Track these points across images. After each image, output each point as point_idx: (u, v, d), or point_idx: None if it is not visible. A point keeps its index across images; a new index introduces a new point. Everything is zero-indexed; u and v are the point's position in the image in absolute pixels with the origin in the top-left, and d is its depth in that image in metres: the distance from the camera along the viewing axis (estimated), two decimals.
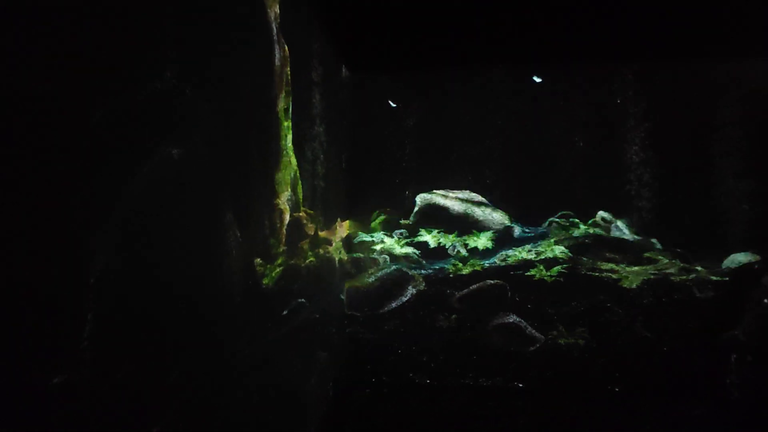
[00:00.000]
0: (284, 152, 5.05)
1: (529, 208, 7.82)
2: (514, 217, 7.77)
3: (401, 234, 7.75)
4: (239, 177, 4.13)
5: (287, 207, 5.07)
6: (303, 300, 5.49)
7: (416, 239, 7.68)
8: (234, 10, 4.16)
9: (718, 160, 7.50)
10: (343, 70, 7.53)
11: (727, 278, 6.47)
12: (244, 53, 4.32)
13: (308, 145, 5.89)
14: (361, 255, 7.33)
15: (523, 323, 6.96)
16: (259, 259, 4.53)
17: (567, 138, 7.75)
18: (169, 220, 3.07)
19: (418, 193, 7.94)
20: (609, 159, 7.72)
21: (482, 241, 7.63)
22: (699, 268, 6.95)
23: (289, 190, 5.09)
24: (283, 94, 5.22)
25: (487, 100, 7.82)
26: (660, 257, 7.15)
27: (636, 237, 7.51)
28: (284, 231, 5.30)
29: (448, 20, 6.62)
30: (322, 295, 6.17)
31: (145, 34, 2.84)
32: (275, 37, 4.98)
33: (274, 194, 4.91)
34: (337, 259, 6.78)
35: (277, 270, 4.93)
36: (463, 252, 7.56)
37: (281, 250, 5.11)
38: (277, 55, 5.06)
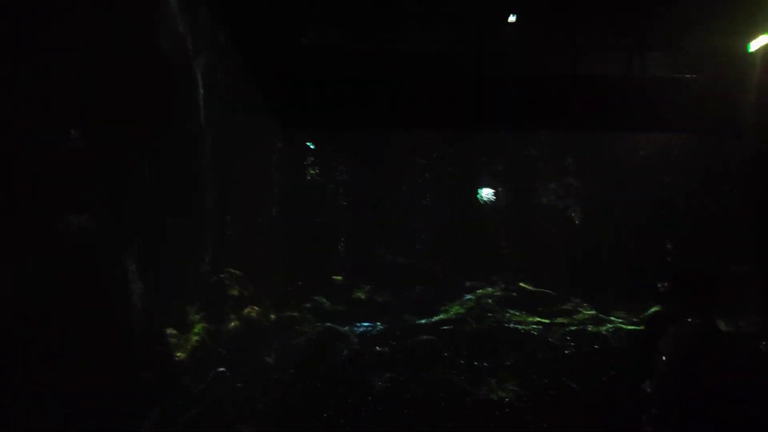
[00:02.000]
0: (207, 213, 4.73)
1: (456, 265, 7.93)
2: (443, 274, 7.84)
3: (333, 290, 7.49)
4: (149, 242, 3.76)
5: (207, 268, 4.69)
6: (223, 369, 5.00)
7: (351, 296, 7.45)
8: (157, 69, 3.95)
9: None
10: (278, 130, 7.42)
11: (641, 327, 6.85)
12: (164, 111, 4.07)
13: (237, 204, 5.60)
14: (293, 314, 6.93)
15: (456, 379, 6.84)
16: (172, 329, 4.07)
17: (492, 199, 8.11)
18: (65, 289, 2.66)
19: (351, 250, 7.80)
20: (527, 215, 8.14)
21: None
22: (613, 318, 7.33)
23: (210, 251, 4.74)
24: (209, 154, 4.96)
25: (412, 165, 8.05)
26: (576, 309, 7.47)
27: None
28: (205, 294, 4.87)
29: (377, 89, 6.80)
30: (247, 360, 5.68)
31: (56, 94, 2.58)
32: (201, 95, 4.79)
33: (194, 256, 4.54)
34: (264, 320, 6.33)
35: (194, 339, 4.47)
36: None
37: (198, 316, 4.67)
38: (202, 114, 4.85)
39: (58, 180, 2.76)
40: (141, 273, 3.51)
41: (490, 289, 7.56)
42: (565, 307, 7.47)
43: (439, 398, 6.62)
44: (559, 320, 7.20)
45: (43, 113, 2.52)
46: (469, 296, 7.48)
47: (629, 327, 7.03)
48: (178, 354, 4.00)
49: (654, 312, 7.02)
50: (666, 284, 7.62)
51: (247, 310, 5.67)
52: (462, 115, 7.35)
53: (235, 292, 5.35)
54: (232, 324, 5.24)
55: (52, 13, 2.48)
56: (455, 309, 7.32)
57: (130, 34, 3.47)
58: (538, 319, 7.22)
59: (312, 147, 8.08)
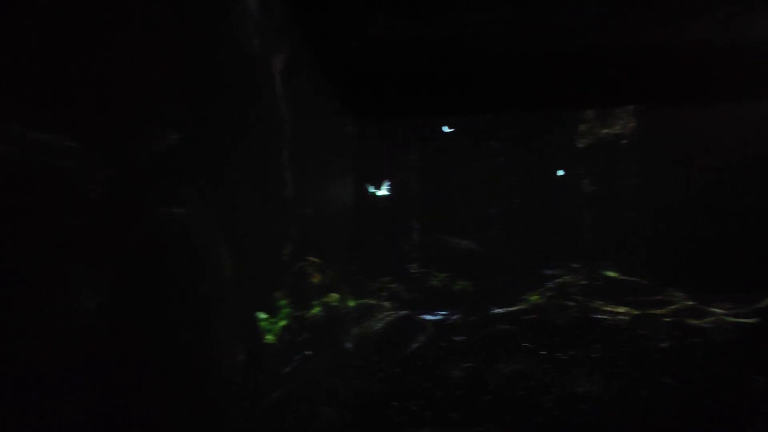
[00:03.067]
0: (287, 203, 4.94)
1: (533, 252, 7.57)
2: (520, 262, 7.53)
3: (409, 278, 7.51)
4: (239, 232, 3.99)
5: (289, 257, 4.90)
6: (309, 352, 5.21)
7: (426, 285, 7.43)
8: (239, 69, 4.16)
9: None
10: (349, 121, 7.56)
11: (752, 320, 6.10)
12: (247, 109, 4.29)
13: (314, 195, 5.79)
14: (369, 301, 7.07)
15: (537, 370, 6.56)
16: (262, 314, 4.31)
17: (570, 182, 7.61)
18: (162, 277, 2.90)
19: (425, 238, 7.77)
20: (609, 201, 7.54)
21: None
22: (716, 310, 6.59)
23: (292, 240, 4.95)
24: (287, 147, 5.17)
25: (488, 146, 7.75)
26: (672, 298, 6.82)
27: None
28: (289, 281, 5.10)
29: (453, 71, 6.64)
30: (329, 345, 5.88)
31: (153, 98, 2.79)
32: (279, 92, 4.98)
33: (277, 245, 4.76)
34: (343, 306, 6.52)
35: (281, 323, 4.70)
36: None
37: (285, 302, 4.90)
38: (281, 108, 5.05)
39: (161, 175, 2.98)
40: (233, 260, 3.73)
41: (571, 277, 7.15)
42: (658, 297, 6.86)
43: (519, 390, 6.40)
44: (652, 311, 6.62)
45: (145, 114, 2.72)
46: (549, 285, 7.13)
47: (735, 319, 6.29)
48: (268, 337, 4.23)
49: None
50: None
51: (327, 297, 5.86)
52: (537, 95, 6.98)
53: (316, 280, 5.55)
54: (315, 310, 5.44)
55: (140, 18, 2.65)
56: (534, 298, 7.01)
57: (214, 35, 3.66)
58: (627, 309, 6.70)
59: (383, 138, 8.13)
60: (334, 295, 6.00)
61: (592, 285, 7.01)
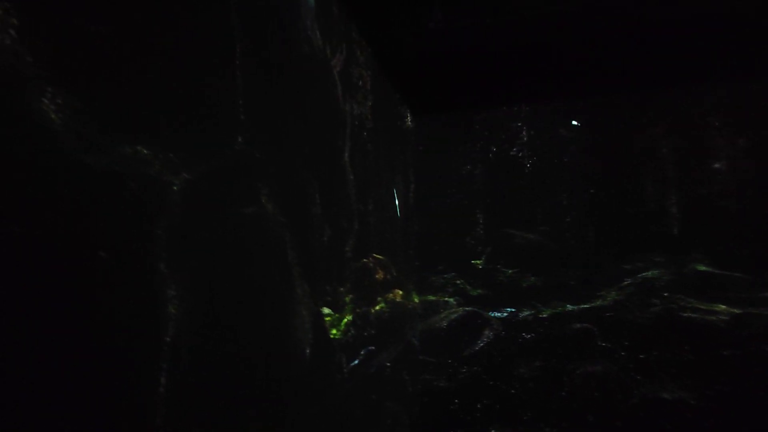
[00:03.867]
0: (349, 201, 4.98)
1: (610, 245, 7.00)
2: (595, 256, 6.99)
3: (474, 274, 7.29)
4: (304, 227, 4.08)
5: (352, 254, 4.95)
6: (373, 348, 5.25)
7: (493, 280, 7.17)
8: (300, 66, 4.25)
9: None
10: (408, 116, 7.50)
11: None
12: (307, 107, 4.37)
13: (375, 192, 5.80)
14: (433, 297, 6.97)
15: (616, 372, 6.08)
16: (326, 309, 4.40)
17: (653, 167, 6.92)
18: (241, 276, 3.03)
19: (491, 232, 7.49)
20: (698, 186, 6.75)
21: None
22: None
23: (354, 237, 4.99)
24: (348, 144, 5.22)
25: (553, 138, 7.28)
26: None
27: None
28: (352, 278, 5.16)
29: (513, 59, 6.34)
30: (394, 341, 5.88)
31: (221, 101, 2.91)
32: (339, 89, 5.03)
33: (340, 241, 4.82)
34: (408, 302, 6.49)
35: (346, 319, 4.76)
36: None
37: (349, 298, 4.96)
38: (341, 107, 5.09)
39: (235, 178, 3.11)
40: (301, 259, 3.82)
41: (655, 272, 6.52)
42: (764, 294, 6.04)
43: (596, 393, 5.97)
44: (755, 311, 5.85)
45: (216, 118, 2.84)
46: (628, 280, 6.56)
47: None
48: (333, 332, 4.30)
49: None
50: None
51: (391, 293, 5.86)
52: (607, 78, 6.44)
53: (380, 276, 5.56)
54: (379, 306, 5.45)
55: (201, 20, 2.75)
56: (612, 295, 6.49)
57: (274, 35, 3.75)
58: (724, 307, 5.98)
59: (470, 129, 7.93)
60: (399, 291, 5.98)
61: (681, 280, 6.33)
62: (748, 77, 6.55)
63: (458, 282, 7.25)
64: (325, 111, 4.73)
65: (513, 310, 6.84)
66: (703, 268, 6.38)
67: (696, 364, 5.77)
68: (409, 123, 7.31)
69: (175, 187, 2.44)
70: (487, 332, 6.60)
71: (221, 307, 2.77)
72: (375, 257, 5.42)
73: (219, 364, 2.71)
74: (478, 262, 7.39)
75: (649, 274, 6.55)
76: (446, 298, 7.02)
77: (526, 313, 6.69)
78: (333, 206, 4.79)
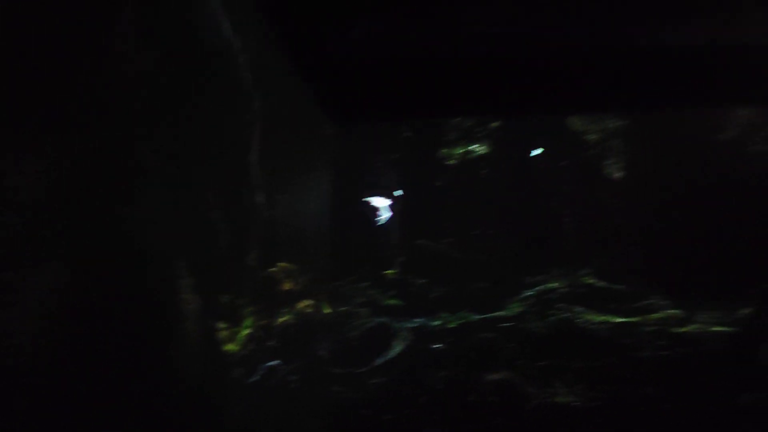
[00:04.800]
0: (255, 207, 4.69)
1: (515, 258, 7.37)
2: (501, 268, 7.32)
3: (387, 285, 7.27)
4: (198, 236, 3.74)
5: (256, 263, 4.66)
6: (278, 362, 4.96)
7: (404, 291, 7.19)
8: (203, 56, 3.92)
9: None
10: (328, 122, 7.33)
11: (736, 329, 5.93)
12: (208, 101, 4.04)
13: (287, 198, 5.56)
14: (344, 308, 6.82)
15: (517, 380, 6.35)
16: (221, 322, 4.07)
17: (553, 187, 7.43)
18: (110, 284, 2.66)
19: (407, 242, 7.53)
20: (593, 207, 7.37)
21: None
22: (701, 319, 6.42)
23: (260, 245, 4.71)
24: (257, 147, 4.92)
25: (467, 153, 7.55)
26: (656, 306, 6.64)
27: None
28: (255, 288, 4.85)
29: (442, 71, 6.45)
30: (301, 354, 5.63)
31: (117, 96, 2.57)
32: (249, 89, 4.74)
33: (242, 251, 4.52)
34: (318, 313, 6.27)
35: (245, 332, 4.45)
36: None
37: (250, 310, 4.65)
38: (251, 106, 4.81)
39: (119, 178, 2.72)
40: (190, 268, 3.46)
41: (553, 284, 6.95)
42: (641, 304, 6.67)
43: (499, 400, 6.19)
44: (635, 319, 6.44)
45: (108, 112, 2.48)
46: (529, 292, 6.93)
47: (721, 329, 6.12)
48: (229, 347, 3.97)
49: (753, 313, 6.04)
50: None
51: (300, 304, 5.62)
52: (524, 98, 6.76)
53: (288, 286, 5.30)
54: (285, 318, 5.19)
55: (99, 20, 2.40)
56: (515, 306, 6.80)
57: (176, 36, 3.41)
58: (610, 317, 6.51)
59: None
60: (308, 302, 5.76)
61: (574, 292, 6.82)
62: (649, 104, 7.24)
63: (371, 292, 7.19)
64: (230, 107, 4.42)
65: (422, 320, 6.90)
66: (592, 281, 6.93)
67: (584, 370, 6.19)
68: (329, 129, 7.16)
69: (24, 183, 2.09)
70: (397, 342, 6.59)
71: (76, 323, 2.40)
72: (283, 266, 5.16)
73: (80, 385, 2.34)
74: (391, 272, 7.39)
75: (547, 286, 6.98)
76: (357, 309, 6.91)
77: (435, 323, 6.79)
78: (235, 211, 4.47)
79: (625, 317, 6.46)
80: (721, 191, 7.10)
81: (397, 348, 6.51)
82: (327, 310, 6.61)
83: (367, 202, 7.47)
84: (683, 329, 6.21)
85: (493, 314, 6.77)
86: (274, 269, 4.86)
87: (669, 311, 6.51)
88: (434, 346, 6.52)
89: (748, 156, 7.19)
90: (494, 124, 7.42)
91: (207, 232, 3.85)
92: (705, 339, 6.19)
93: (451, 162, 7.38)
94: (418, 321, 6.89)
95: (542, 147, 7.40)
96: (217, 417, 3.66)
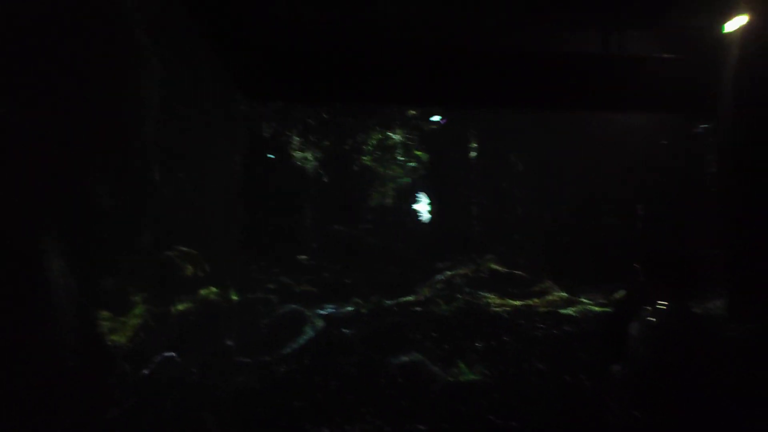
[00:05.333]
0: (148, 185, 4.23)
1: (426, 245, 7.60)
2: (413, 255, 7.51)
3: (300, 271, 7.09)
4: (77, 216, 3.27)
5: (150, 246, 4.23)
6: (172, 354, 4.57)
7: (317, 277, 7.08)
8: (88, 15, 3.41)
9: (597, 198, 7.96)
10: (241, 100, 6.87)
11: (610, 309, 6.69)
12: (93, 64, 3.53)
13: (189, 178, 5.09)
14: (256, 295, 6.53)
15: (425, 362, 6.58)
16: (105, 312, 3.62)
17: (463, 177, 7.75)
18: None
19: (322, 227, 7.39)
20: (494, 198, 7.85)
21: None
22: (584, 300, 7.16)
23: (155, 227, 4.27)
24: (153, 121, 4.43)
25: (384, 139, 7.58)
26: (547, 290, 7.28)
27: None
28: (149, 274, 4.41)
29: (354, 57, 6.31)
30: (203, 344, 5.26)
31: None
32: (144, 51, 4.24)
33: (133, 234, 4.06)
34: (224, 301, 5.91)
35: (134, 322, 4.02)
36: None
37: (142, 297, 4.22)
38: (146, 76, 4.30)
39: None
40: (64, 251, 3.01)
41: (460, 270, 7.29)
42: (536, 288, 7.26)
43: (407, 382, 6.37)
44: (530, 302, 7.00)
45: None
46: (439, 277, 7.20)
47: (599, 309, 6.88)
48: (114, 338, 3.56)
49: (624, 294, 6.86)
50: (637, 266, 7.44)
51: (203, 290, 5.24)
52: (434, 91, 6.93)
53: (189, 272, 4.90)
54: (185, 305, 4.80)
55: None
56: (425, 290, 7.03)
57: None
58: (509, 300, 7.00)
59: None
60: (212, 289, 5.39)
61: (479, 277, 7.22)
62: (546, 105, 7.78)
63: (282, 278, 6.96)
64: (119, 70, 3.91)
65: (335, 306, 6.85)
66: (495, 266, 7.39)
67: (485, 349, 6.60)
68: (242, 107, 6.72)
69: None
70: (308, 329, 6.46)
71: None
72: (182, 250, 4.75)
73: None
74: (304, 257, 7.22)
75: (455, 271, 7.30)
76: (268, 296, 6.65)
77: (348, 309, 6.77)
78: (126, 189, 4.00)
79: (522, 300, 7.00)
80: (606, 189, 7.94)
81: (308, 335, 6.38)
82: (234, 297, 6.27)
83: (281, 185, 7.17)
84: (570, 310, 6.87)
85: (404, 299, 6.93)
86: (171, 254, 4.45)
87: (558, 294, 7.17)
88: (346, 332, 6.50)
89: (631, 157, 8.12)
90: (411, 113, 7.51)
91: (88, 208, 3.39)
92: (588, 318, 6.90)
93: (368, 148, 7.34)
94: (330, 307, 6.82)
95: (455, 138, 7.65)
96: (98, 415, 3.28)
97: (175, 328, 4.67)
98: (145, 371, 4.19)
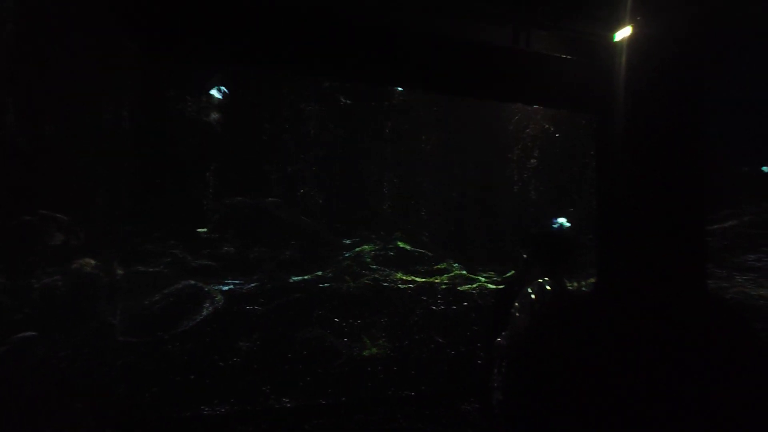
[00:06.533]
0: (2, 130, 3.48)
1: (335, 220, 7.46)
2: (321, 231, 7.32)
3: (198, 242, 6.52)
4: None
5: (4, 209, 3.51)
6: (33, 333, 3.92)
7: (218, 251, 6.56)
8: None
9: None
10: (130, 47, 5.96)
11: (502, 286, 7.16)
12: None
13: (59, 128, 4.28)
14: (144, 268, 5.87)
15: (329, 338, 6.50)
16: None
17: (374, 152, 7.68)
18: None
19: (220, 199, 6.82)
20: (408, 175, 7.93)
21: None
22: (482, 278, 7.58)
23: (9, 187, 3.54)
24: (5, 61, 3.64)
25: (295, 107, 7.19)
26: (449, 268, 7.58)
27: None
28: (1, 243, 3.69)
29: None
30: (75, 322, 4.60)
31: None
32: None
33: None
34: (105, 274, 5.21)
35: None
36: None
37: None
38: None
39: None
40: None
41: (367, 247, 7.28)
42: (439, 266, 7.52)
43: (310, 358, 6.25)
44: (433, 279, 7.23)
45: None
46: (346, 254, 7.12)
47: (493, 286, 7.32)
48: None
49: (513, 272, 7.41)
50: (526, 248, 8.09)
51: (77, 262, 4.55)
52: (341, 67, 6.66)
53: (57, 241, 4.20)
54: (51, 279, 4.12)
55: None
56: (332, 267, 6.91)
57: None
58: (413, 277, 7.17)
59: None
60: (88, 260, 4.70)
61: (386, 255, 7.28)
62: (456, 92, 7.90)
63: (177, 252, 6.35)
64: None
65: (237, 282, 6.45)
66: (402, 245, 7.50)
67: (388, 325, 6.71)
68: (132, 57, 5.82)
69: None
70: (207, 306, 6.00)
71: None
72: (47, 215, 4.02)
73: None
74: (203, 230, 6.65)
75: (362, 248, 7.27)
76: (161, 269, 6.03)
77: (251, 285, 6.42)
78: None
79: (425, 278, 7.20)
80: (506, 174, 8.42)
81: (206, 312, 5.93)
82: (120, 271, 5.57)
83: (180, 149, 6.45)
84: (468, 287, 7.23)
85: (310, 276, 6.75)
86: (30, 218, 3.76)
87: (458, 272, 7.50)
88: (249, 308, 6.15)
89: (529, 146, 8.67)
90: (326, 84, 7.19)
91: None
92: (484, 295, 7.31)
93: (282, 119, 6.89)
94: (232, 283, 6.40)
95: (369, 114, 7.51)
96: None
97: (38, 305, 4.00)
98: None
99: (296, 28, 5.69)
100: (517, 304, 3.20)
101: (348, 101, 7.63)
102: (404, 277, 7.13)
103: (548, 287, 2.96)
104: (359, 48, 6.29)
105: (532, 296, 2.98)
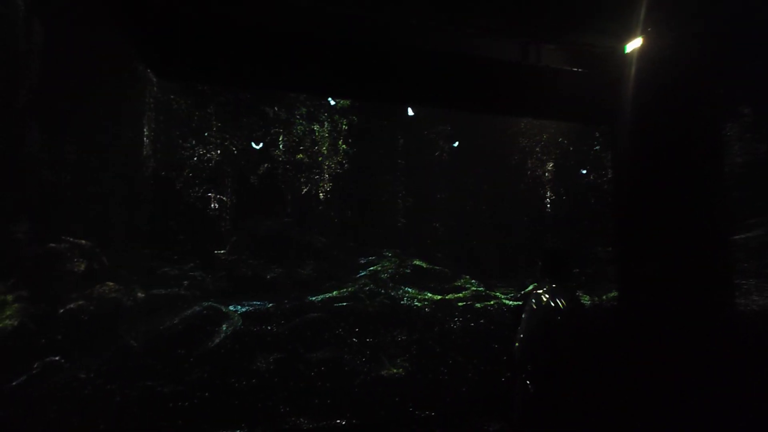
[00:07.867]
0: (29, 159, 3.59)
1: (350, 240, 7.43)
2: (337, 250, 7.29)
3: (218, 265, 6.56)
4: None
5: (30, 237, 3.60)
6: (57, 358, 3.95)
7: (236, 273, 6.58)
8: None
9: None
10: (147, 75, 6.13)
11: (519, 302, 7.00)
12: None
13: (82, 155, 4.41)
14: (164, 291, 5.91)
15: (347, 357, 6.40)
16: None
17: (389, 175, 7.68)
18: None
19: (240, 220, 6.88)
20: (421, 195, 7.88)
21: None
22: (498, 294, 7.42)
23: (33, 214, 3.63)
24: (30, 92, 3.77)
25: (307, 131, 7.25)
26: (466, 284, 7.45)
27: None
28: (27, 269, 3.76)
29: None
30: (97, 345, 4.63)
31: None
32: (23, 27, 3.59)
33: (4, 219, 3.42)
34: (127, 298, 5.26)
35: (6, 324, 3.40)
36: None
37: (15, 296, 3.58)
38: (26, 43, 3.65)
39: None
40: None
41: (383, 265, 7.22)
42: (455, 284, 7.40)
43: (328, 377, 6.15)
44: (449, 296, 7.11)
45: None
46: (362, 273, 7.06)
47: (510, 302, 7.16)
48: None
49: (531, 288, 7.23)
50: (541, 263, 7.93)
51: (99, 286, 4.60)
52: (352, 84, 6.69)
53: (81, 267, 4.27)
54: (75, 304, 4.17)
55: None
56: (349, 286, 6.85)
57: None
58: (430, 295, 7.06)
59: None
60: (110, 284, 4.76)
61: (402, 273, 7.20)
62: (465, 108, 7.89)
63: (195, 274, 6.39)
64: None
65: (255, 303, 6.43)
66: (418, 262, 7.41)
67: (406, 343, 6.58)
68: (151, 87, 5.98)
69: None
70: (225, 328, 5.99)
71: None
72: (72, 241, 4.09)
73: None
74: (221, 252, 6.70)
75: (379, 267, 7.21)
76: (181, 292, 6.07)
77: (268, 305, 6.39)
78: None
79: (442, 295, 7.08)
80: (517, 199, 8.31)
81: (224, 333, 5.91)
82: (140, 294, 5.61)
83: (198, 173, 6.55)
84: (485, 303, 7.07)
85: (326, 295, 6.70)
86: (56, 245, 3.84)
87: (475, 288, 7.36)
88: (266, 329, 6.11)
89: (530, 173, 8.58)
90: (342, 104, 7.26)
91: None
92: (501, 312, 7.15)
93: (295, 139, 6.97)
94: (250, 304, 6.39)
95: (380, 133, 7.54)
96: None
97: (61, 331, 4.04)
98: (23, 378, 3.58)
99: (309, 52, 5.78)
100: (523, 315, 3.17)
101: (359, 119, 7.70)
102: (421, 295, 7.03)
103: (545, 297, 2.92)
104: (371, 67, 6.34)
105: (534, 306, 2.96)
